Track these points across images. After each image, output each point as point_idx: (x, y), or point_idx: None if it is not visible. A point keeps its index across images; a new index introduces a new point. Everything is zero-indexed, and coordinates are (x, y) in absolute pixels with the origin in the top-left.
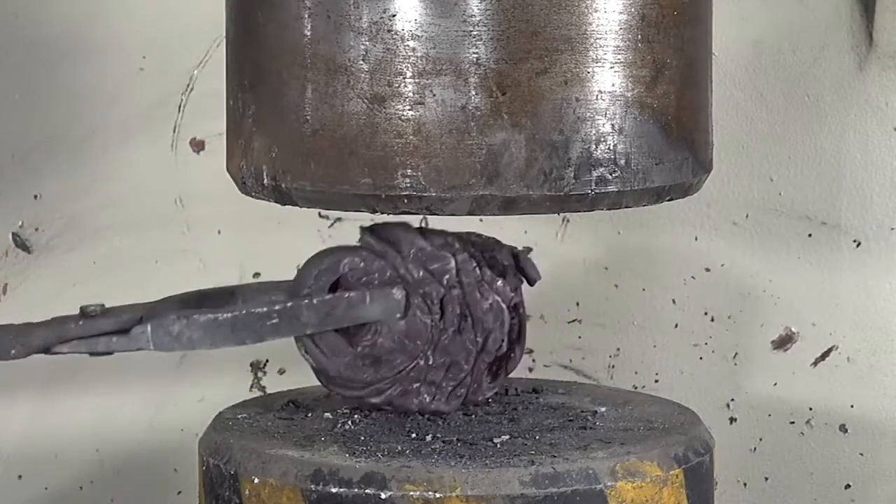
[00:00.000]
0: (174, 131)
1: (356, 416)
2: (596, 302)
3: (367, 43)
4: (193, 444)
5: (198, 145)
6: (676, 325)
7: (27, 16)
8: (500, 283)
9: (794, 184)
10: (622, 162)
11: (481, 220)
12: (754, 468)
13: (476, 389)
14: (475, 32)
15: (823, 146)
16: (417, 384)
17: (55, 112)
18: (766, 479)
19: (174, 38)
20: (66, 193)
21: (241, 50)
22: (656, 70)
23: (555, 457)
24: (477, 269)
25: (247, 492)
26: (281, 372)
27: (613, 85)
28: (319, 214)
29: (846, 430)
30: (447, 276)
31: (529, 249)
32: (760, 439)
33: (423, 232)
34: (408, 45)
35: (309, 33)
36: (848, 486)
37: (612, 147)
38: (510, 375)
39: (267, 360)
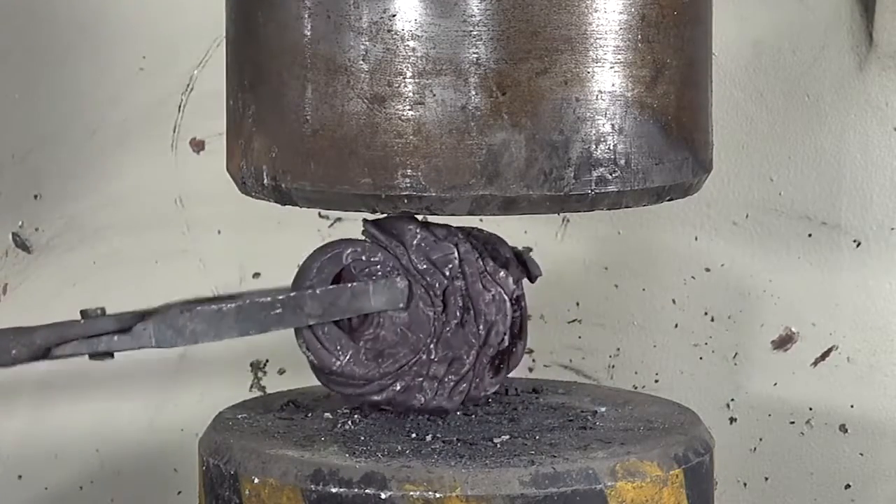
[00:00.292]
0: (174, 131)
1: (356, 416)
2: (596, 302)
3: (367, 43)
4: (193, 444)
5: (198, 145)
6: (676, 325)
7: (27, 16)
8: (502, 273)
9: (794, 184)
10: (622, 162)
11: (481, 220)
12: (754, 468)
13: (478, 385)
14: (475, 32)
15: (823, 146)
16: (420, 379)
17: (55, 112)
18: (766, 479)
19: (174, 38)
20: (66, 193)
21: (241, 50)
22: (656, 70)
23: (555, 457)
24: (479, 260)
25: (247, 492)
26: (281, 372)
27: (613, 85)
28: (319, 214)
29: (846, 430)
30: (450, 267)
31: (529, 249)
32: (760, 439)
33: (426, 224)
34: (408, 45)
35: (309, 33)
36: (848, 486)
37: (612, 147)
38: (510, 375)
39: (267, 360)
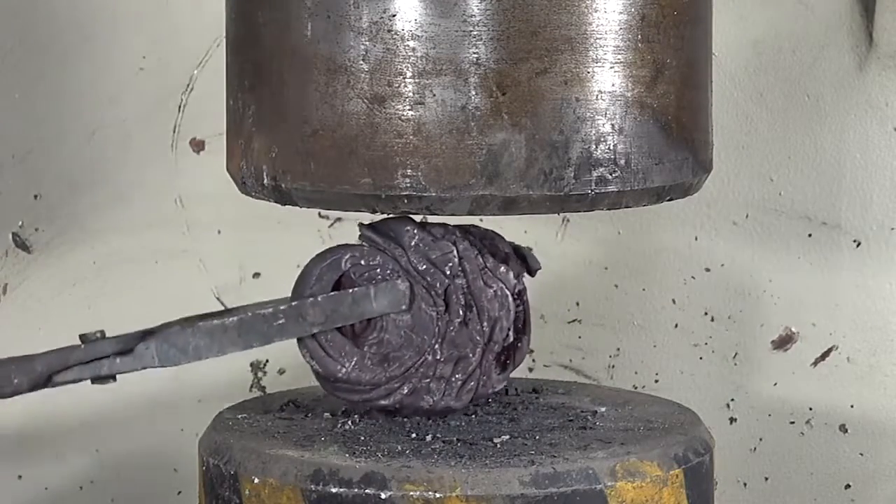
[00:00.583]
0: (174, 131)
1: (356, 416)
2: (596, 302)
3: (367, 43)
4: (193, 444)
5: (198, 145)
6: (676, 325)
7: (27, 16)
8: (502, 269)
9: (794, 184)
10: (622, 162)
11: (481, 220)
12: (754, 468)
13: (486, 382)
14: (475, 32)
15: (823, 146)
16: (427, 380)
17: (55, 112)
18: (766, 479)
19: (174, 38)
20: (66, 193)
21: (241, 50)
22: (656, 70)
23: (555, 457)
24: (479, 257)
25: (247, 492)
26: (281, 372)
27: (613, 85)
28: (319, 214)
29: (846, 430)
30: (450, 265)
31: (529, 249)
32: (760, 439)
33: (423, 224)
34: (408, 45)
35: (309, 33)
36: (848, 486)
37: (612, 147)
38: (511, 374)
39: (267, 361)
